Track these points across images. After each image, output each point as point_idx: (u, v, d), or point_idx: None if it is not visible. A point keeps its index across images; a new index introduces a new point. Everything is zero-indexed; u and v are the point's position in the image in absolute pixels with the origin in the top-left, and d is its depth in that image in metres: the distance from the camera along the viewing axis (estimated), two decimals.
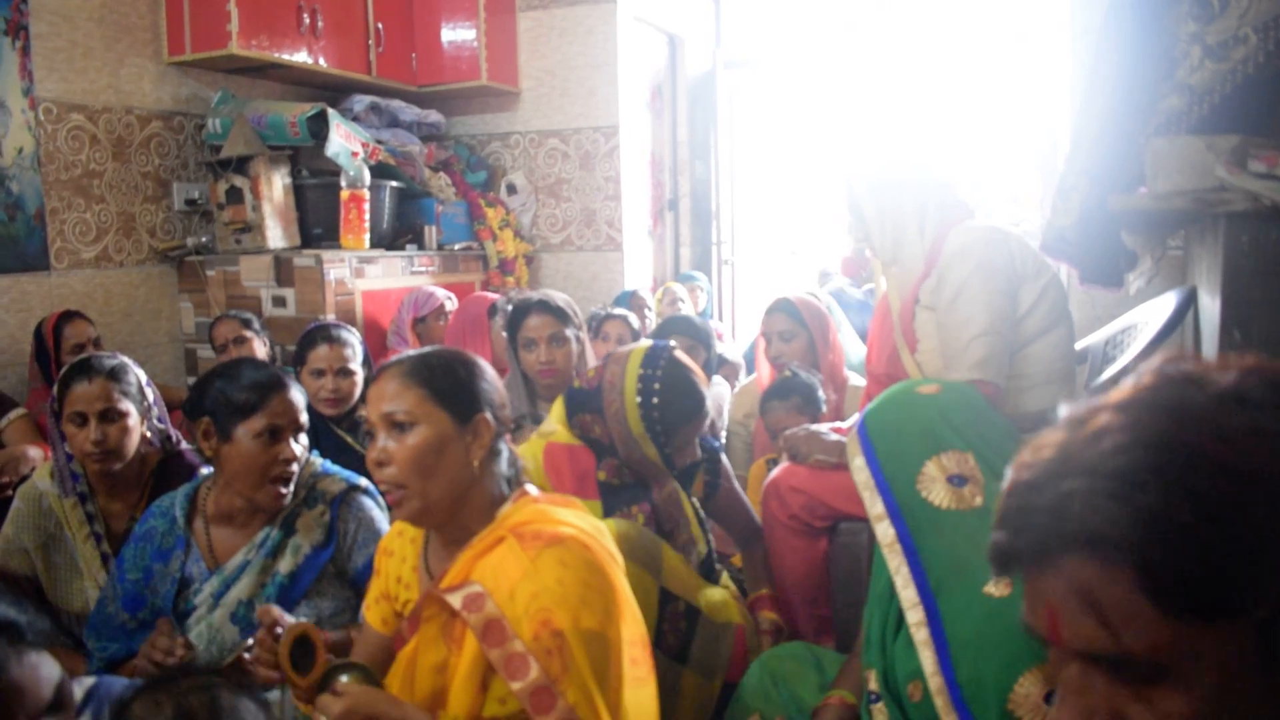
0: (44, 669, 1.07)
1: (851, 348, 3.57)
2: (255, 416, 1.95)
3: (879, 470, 1.70)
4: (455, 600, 1.58)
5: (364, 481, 2.14)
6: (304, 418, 2.04)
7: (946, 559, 1.62)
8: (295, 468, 2.01)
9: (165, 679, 1.26)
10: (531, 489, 1.74)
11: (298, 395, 2.04)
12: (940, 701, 1.54)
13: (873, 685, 1.78)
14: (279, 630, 1.57)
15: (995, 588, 1.54)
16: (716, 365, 3.71)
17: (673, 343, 2.31)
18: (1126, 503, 0.64)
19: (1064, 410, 0.74)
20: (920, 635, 1.58)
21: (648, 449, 2.20)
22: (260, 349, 3.77)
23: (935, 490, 1.67)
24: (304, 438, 2.04)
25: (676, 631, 2.09)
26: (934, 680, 1.55)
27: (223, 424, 1.97)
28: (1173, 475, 0.63)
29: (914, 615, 1.60)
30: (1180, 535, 0.62)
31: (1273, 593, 0.63)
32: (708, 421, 2.26)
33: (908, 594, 1.62)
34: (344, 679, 1.49)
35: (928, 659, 1.57)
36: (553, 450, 2.28)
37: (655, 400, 2.16)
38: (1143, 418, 0.67)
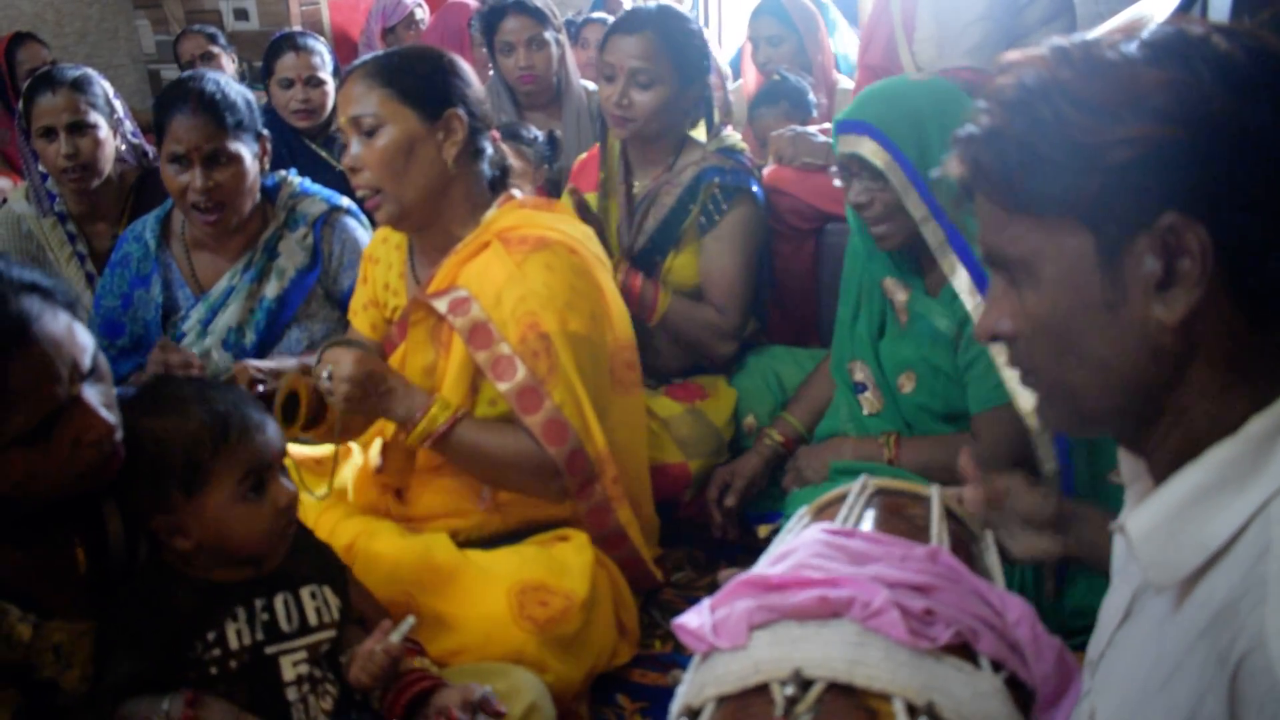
0: (80, 334, 1.05)
1: (846, 42, 3.38)
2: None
3: (909, 165, 1.57)
4: (441, 305, 1.59)
5: (345, 201, 2.07)
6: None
7: None
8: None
9: (178, 383, 1.26)
10: (516, 192, 1.71)
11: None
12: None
13: (859, 376, 1.82)
14: (260, 388, 1.58)
15: None
16: None
17: None
18: (991, 130, 0.76)
19: None
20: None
21: None
22: (229, 65, 3.60)
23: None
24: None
25: None
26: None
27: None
28: (1018, 99, 0.75)
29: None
30: (1011, 144, 0.75)
31: (1092, 190, 0.72)
32: None
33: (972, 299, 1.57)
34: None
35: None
36: None
37: None
38: (1031, 69, 0.76)
